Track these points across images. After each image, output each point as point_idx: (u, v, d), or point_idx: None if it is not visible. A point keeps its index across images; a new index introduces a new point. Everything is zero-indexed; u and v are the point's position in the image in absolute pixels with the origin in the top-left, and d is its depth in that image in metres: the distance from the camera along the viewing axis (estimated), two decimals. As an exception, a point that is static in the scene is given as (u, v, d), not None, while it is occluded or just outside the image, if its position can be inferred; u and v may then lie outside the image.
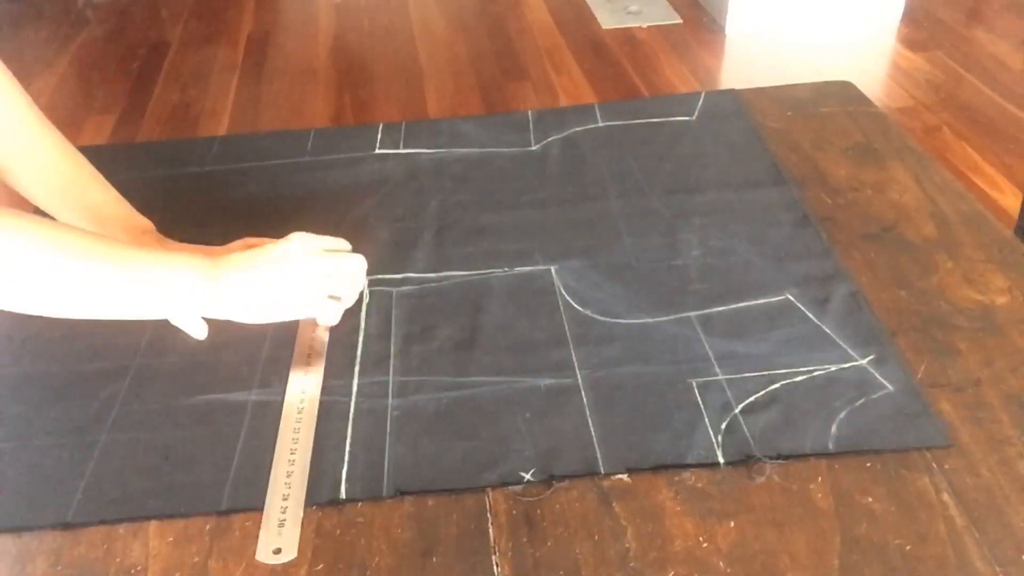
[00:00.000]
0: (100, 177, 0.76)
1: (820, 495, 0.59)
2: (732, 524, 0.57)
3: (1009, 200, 1.93)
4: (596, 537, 0.56)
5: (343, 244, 0.74)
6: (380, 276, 0.78)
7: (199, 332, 0.69)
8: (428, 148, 0.96)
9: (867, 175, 0.90)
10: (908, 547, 0.55)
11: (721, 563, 0.55)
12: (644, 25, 2.77)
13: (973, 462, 0.60)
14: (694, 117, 1.00)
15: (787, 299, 0.74)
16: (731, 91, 1.05)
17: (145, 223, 0.77)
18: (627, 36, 2.72)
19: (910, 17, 2.76)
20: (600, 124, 1.00)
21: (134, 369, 0.70)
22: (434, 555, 0.56)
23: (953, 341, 0.70)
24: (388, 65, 2.60)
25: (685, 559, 0.55)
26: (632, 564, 0.55)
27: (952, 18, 2.77)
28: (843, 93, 1.05)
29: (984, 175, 2.03)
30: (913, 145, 0.95)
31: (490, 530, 0.57)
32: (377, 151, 0.96)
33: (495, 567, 0.55)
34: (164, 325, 0.70)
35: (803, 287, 0.75)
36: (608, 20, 2.80)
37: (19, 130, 0.71)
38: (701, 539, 0.56)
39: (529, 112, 1.03)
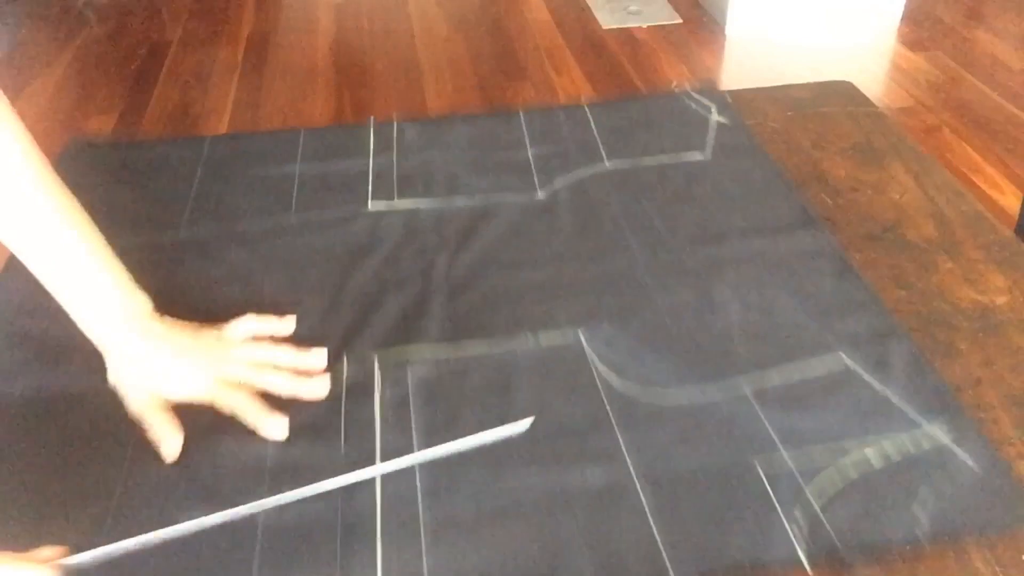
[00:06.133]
0: (102, 244, 0.65)
1: (820, 495, 0.58)
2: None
3: (1009, 200, 1.93)
4: None
5: (300, 360, 0.66)
6: (391, 353, 0.69)
7: (171, 448, 0.62)
8: (424, 199, 0.87)
9: (867, 175, 0.90)
10: (907, 546, 0.55)
11: None
12: (644, 25, 2.77)
13: (973, 462, 0.60)
14: (708, 155, 0.93)
15: (841, 360, 0.67)
16: (741, 123, 0.98)
17: (142, 305, 0.66)
18: (627, 36, 2.72)
19: (910, 17, 2.76)
20: (607, 166, 0.91)
21: (120, 487, 0.60)
22: None
23: (953, 341, 0.70)
24: (388, 65, 2.60)
25: None
26: None
27: (952, 18, 2.77)
28: (843, 93, 1.05)
29: (984, 175, 2.03)
30: (913, 145, 0.95)
31: None
32: (370, 207, 0.86)
33: None
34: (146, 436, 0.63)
35: (856, 346, 0.68)
36: (608, 20, 2.80)
37: (12, 190, 0.62)
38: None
39: (527, 140, 0.95)
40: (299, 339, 0.70)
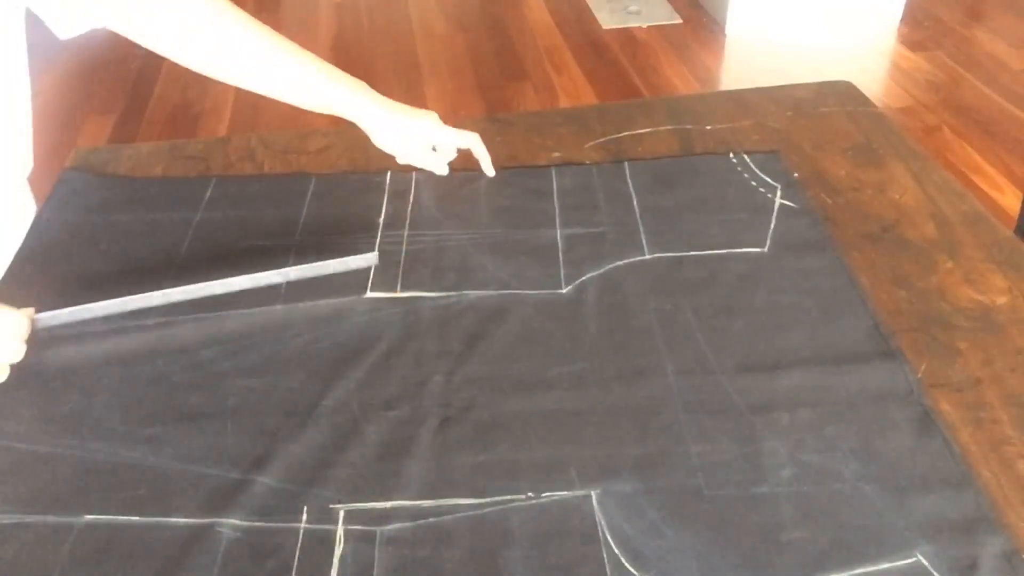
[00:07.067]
0: (314, 57, 0.84)
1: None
2: None
3: (1009, 200, 1.93)
4: None
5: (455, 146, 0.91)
6: (360, 505, 0.59)
7: (441, 164, 0.91)
8: (431, 292, 0.77)
9: (867, 175, 0.90)
10: (908, 547, 0.55)
11: None
12: (644, 25, 2.77)
13: (973, 462, 0.60)
14: (766, 249, 0.80)
15: (919, 563, 0.54)
16: (809, 207, 0.85)
17: (365, 87, 0.85)
18: (627, 36, 2.72)
19: (910, 17, 2.76)
20: (647, 257, 0.80)
21: None
22: None
23: (953, 341, 0.70)
24: (388, 65, 2.60)
25: None
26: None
27: (952, 18, 2.77)
28: (843, 93, 1.05)
29: (984, 175, 2.03)
30: (913, 145, 0.95)
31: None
32: (368, 294, 0.77)
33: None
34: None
35: (939, 542, 0.55)
36: (608, 20, 2.80)
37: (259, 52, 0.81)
38: None
39: (557, 215, 0.85)
40: (257, 471, 0.62)
